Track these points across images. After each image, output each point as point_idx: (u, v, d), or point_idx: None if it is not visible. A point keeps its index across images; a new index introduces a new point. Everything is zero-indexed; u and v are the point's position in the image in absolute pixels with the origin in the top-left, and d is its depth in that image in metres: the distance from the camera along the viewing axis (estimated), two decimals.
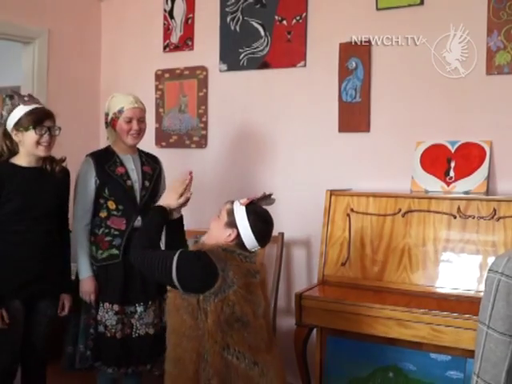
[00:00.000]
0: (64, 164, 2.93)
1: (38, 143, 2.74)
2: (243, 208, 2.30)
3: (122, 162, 2.99)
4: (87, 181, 2.94)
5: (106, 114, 3.02)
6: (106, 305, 2.91)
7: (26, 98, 2.78)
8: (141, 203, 2.97)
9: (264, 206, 2.39)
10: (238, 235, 2.28)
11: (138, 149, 3.11)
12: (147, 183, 3.02)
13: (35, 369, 2.95)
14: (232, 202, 2.35)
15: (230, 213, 2.31)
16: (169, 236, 2.57)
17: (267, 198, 2.40)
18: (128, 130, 2.94)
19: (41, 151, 2.76)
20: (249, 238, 2.28)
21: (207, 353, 2.17)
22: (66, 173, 2.95)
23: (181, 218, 2.63)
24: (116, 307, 2.90)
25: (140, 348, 2.92)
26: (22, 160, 2.80)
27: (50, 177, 2.85)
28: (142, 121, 2.99)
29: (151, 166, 3.10)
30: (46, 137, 2.75)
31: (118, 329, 2.89)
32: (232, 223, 2.29)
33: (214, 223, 2.36)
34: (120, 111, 2.94)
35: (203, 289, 2.17)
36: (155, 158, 3.19)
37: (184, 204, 2.59)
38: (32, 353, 2.90)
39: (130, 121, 2.94)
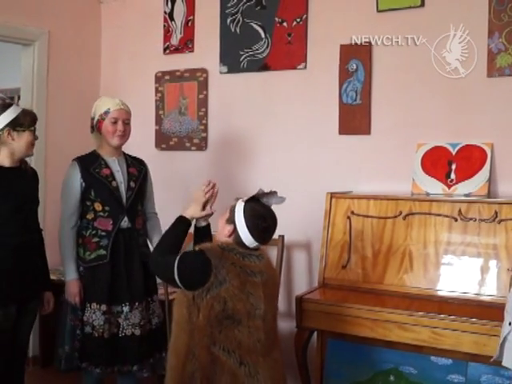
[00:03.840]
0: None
1: (32, 144, 2.76)
2: (242, 204, 2.35)
3: (107, 164, 3.04)
4: (72, 184, 2.99)
5: (92, 119, 3.07)
6: (94, 305, 2.94)
7: (7, 101, 2.80)
8: (127, 204, 3.03)
9: (273, 205, 2.41)
10: (236, 230, 2.32)
11: (124, 152, 3.16)
12: (133, 184, 3.07)
13: (17, 368, 2.90)
14: (238, 199, 2.40)
15: (232, 209, 2.37)
16: (196, 243, 2.59)
17: (272, 196, 2.42)
18: (113, 131, 3.01)
19: (31, 151, 2.78)
20: (244, 233, 2.31)
21: (195, 346, 2.23)
22: (35, 172, 2.97)
23: (208, 226, 2.64)
24: (104, 307, 2.94)
25: (125, 348, 2.95)
26: (5, 161, 2.75)
27: (27, 176, 2.85)
28: (127, 123, 3.06)
29: (136, 168, 3.15)
30: (34, 138, 2.79)
31: (105, 328, 2.92)
32: (231, 219, 2.35)
33: (220, 219, 2.42)
34: (106, 112, 3.00)
35: (198, 285, 2.22)
36: (141, 160, 3.24)
37: (207, 215, 2.58)
38: (17, 354, 2.86)
39: (115, 122, 3.01)
